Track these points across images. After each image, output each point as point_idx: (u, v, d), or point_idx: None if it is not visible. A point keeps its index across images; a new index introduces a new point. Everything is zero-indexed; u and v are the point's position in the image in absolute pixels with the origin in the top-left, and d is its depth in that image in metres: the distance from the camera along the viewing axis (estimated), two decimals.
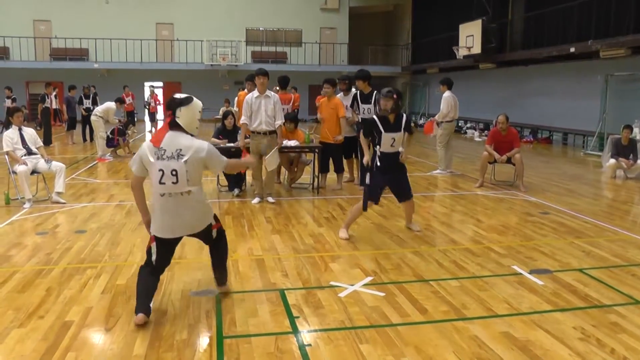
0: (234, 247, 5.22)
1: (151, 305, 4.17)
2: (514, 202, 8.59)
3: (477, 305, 4.41)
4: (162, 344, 3.68)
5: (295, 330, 3.91)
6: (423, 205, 8.26)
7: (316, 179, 9.27)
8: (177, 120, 4.12)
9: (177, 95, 4.26)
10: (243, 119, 8.13)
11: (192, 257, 5.64)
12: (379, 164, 6.24)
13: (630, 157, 10.88)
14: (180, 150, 4.03)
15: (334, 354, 3.55)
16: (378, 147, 6.23)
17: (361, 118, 9.22)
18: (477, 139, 20.57)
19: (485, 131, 20.61)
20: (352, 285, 4.80)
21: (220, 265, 4.58)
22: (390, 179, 6.34)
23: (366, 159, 6.43)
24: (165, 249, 4.24)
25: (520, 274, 5.18)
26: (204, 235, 4.39)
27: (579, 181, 10.70)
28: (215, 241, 4.49)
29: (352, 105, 9.44)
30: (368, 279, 4.97)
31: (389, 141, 6.18)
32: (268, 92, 8.08)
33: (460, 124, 23.52)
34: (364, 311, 4.26)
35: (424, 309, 4.31)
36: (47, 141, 15.93)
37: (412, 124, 6.59)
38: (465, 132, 22.64)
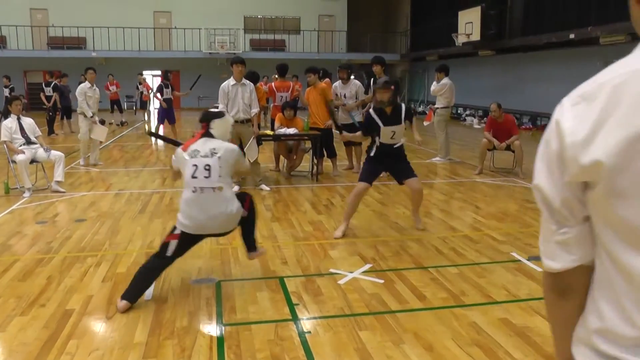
0: (234, 235, 5.22)
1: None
2: (513, 189, 8.61)
3: (475, 292, 4.43)
4: (163, 331, 3.71)
5: (294, 318, 3.94)
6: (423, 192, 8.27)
7: (315, 167, 9.29)
8: (211, 131, 4.47)
9: (212, 109, 4.77)
10: (221, 107, 8.15)
11: None
12: (374, 153, 6.00)
13: None
14: (214, 149, 4.33)
15: (334, 341, 3.57)
16: (378, 138, 5.95)
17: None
18: (476, 126, 20.54)
19: (484, 118, 20.57)
20: (351, 272, 4.83)
21: (249, 235, 4.77)
22: (388, 163, 6.14)
23: (344, 134, 6.51)
24: (186, 245, 4.35)
25: (519, 260, 5.20)
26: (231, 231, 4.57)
27: None
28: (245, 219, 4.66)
29: (366, 92, 9.60)
30: (367, 266, 4.99)
31: (389, 134, 5.91)
32: (244, 81, 8.19)
33: (459, 111, 23.49)
34: (363, 298, 4.28)
35: (422, 296, 4.34)
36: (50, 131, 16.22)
37: (412, 111, 6.35)
38: (465, 119, 22.60)
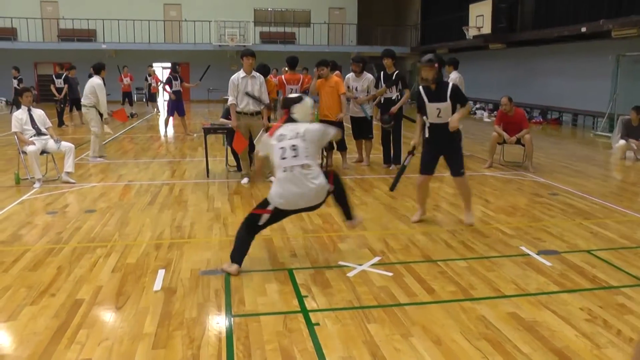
0: None
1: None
2: (523, 183, 8.57)
3: (484, 285, 4.43)
4: (172, 322, 3.73)
5: (303, 310, 3.95)
6: (432, 185, 8.23)
7: (324, 159, 9.28)
8: (293, 116, 4.85)
9: (291, 96, 5.11)
10: (231, 100, 8.16)
11: (202, 236, 5.69)
12: (427, 135, 6.04)
13: None
14: (299, 131, 4.67)
15: (342, 333, 3.58)
16: (426, 118, 5.98)
17: (384, 98, 9.31)
18: (486, 119, 20.44)
19: (495, 112, 20.47)
20: (360, 265, 4.83)
21: (342, 203, 5.00)
22: (442, 148, 6.11)
23: (413, 141, 6.24)
24: (276, 218, 4.78)
25: (528, 254, 5.19)
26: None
27: (588, 162, 10.64)
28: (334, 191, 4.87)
29: (376, 86, 9.58)
30: (376, 259, 4.99)
31: (435, 112, 5.87)
32: (254, 73, 8.20)
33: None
34: (371, 291, 4.29)
35: (431, 289, 4.33)
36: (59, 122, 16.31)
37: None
38: (475, 113, 22.50)
